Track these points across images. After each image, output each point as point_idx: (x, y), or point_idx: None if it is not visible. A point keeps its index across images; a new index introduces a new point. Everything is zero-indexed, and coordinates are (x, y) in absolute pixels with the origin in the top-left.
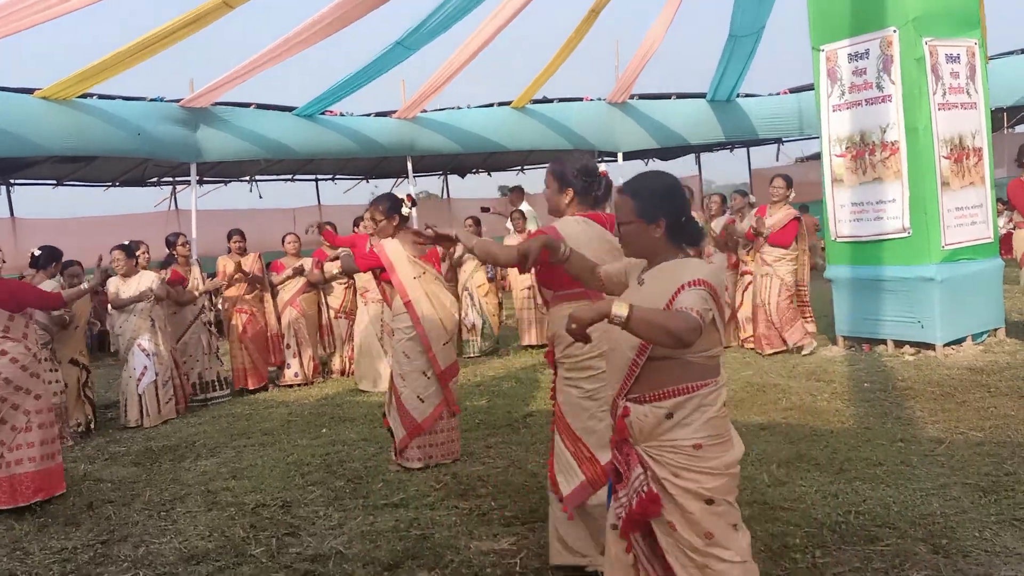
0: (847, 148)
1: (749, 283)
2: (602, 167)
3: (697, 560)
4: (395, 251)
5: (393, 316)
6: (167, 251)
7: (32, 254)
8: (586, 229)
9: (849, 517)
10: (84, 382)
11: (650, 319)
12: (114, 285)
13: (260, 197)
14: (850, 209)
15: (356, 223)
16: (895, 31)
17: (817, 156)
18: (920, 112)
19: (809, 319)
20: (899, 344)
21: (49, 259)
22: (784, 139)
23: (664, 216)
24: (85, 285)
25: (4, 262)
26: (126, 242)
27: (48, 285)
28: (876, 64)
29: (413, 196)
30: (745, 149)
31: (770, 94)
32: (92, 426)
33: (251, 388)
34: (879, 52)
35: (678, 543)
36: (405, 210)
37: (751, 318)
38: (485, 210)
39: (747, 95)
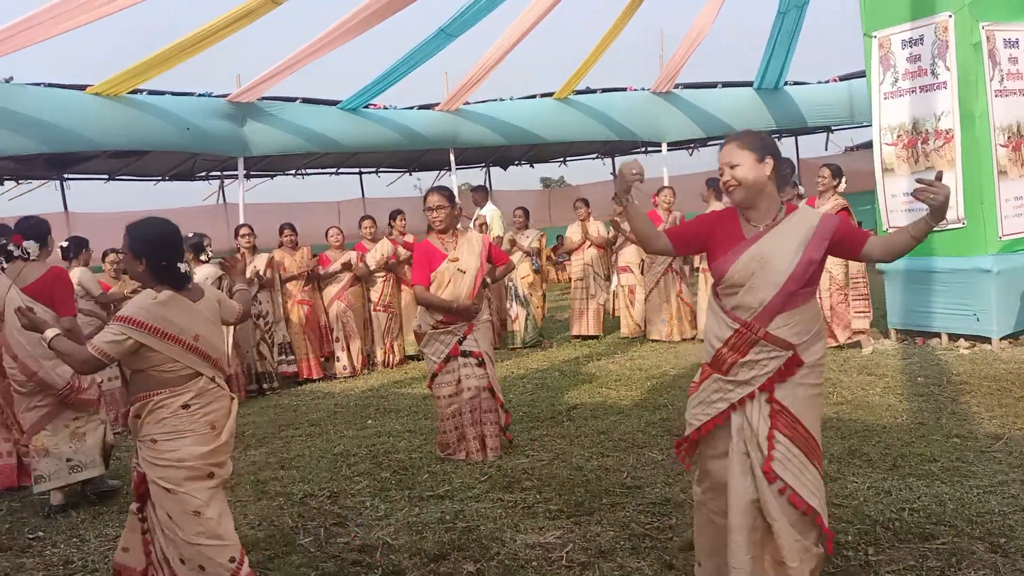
0: (899, 136)
1: None
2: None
3: (167, 534)
4: None
5: None
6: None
7: (60, 247)
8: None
9: (903, 514)
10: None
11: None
12: None
13: (303, 178)
14: (902, 199)
15: (393, 216)
16: (950, 16)
17: (868, 145)
18: (976, 99)
19: (863, 314)
20: (953, 337)
21: (77, 248)
22: (833, 127)
23: (146, 257)
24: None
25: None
26: (190, 235)
27: (77, 273)
28: (931, 50)
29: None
30: (793, 138)
31: (819, 82)
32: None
33: (314, 378)
34: (934, 37)
35: (157, 517)
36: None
37: None
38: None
39: (795, 83)
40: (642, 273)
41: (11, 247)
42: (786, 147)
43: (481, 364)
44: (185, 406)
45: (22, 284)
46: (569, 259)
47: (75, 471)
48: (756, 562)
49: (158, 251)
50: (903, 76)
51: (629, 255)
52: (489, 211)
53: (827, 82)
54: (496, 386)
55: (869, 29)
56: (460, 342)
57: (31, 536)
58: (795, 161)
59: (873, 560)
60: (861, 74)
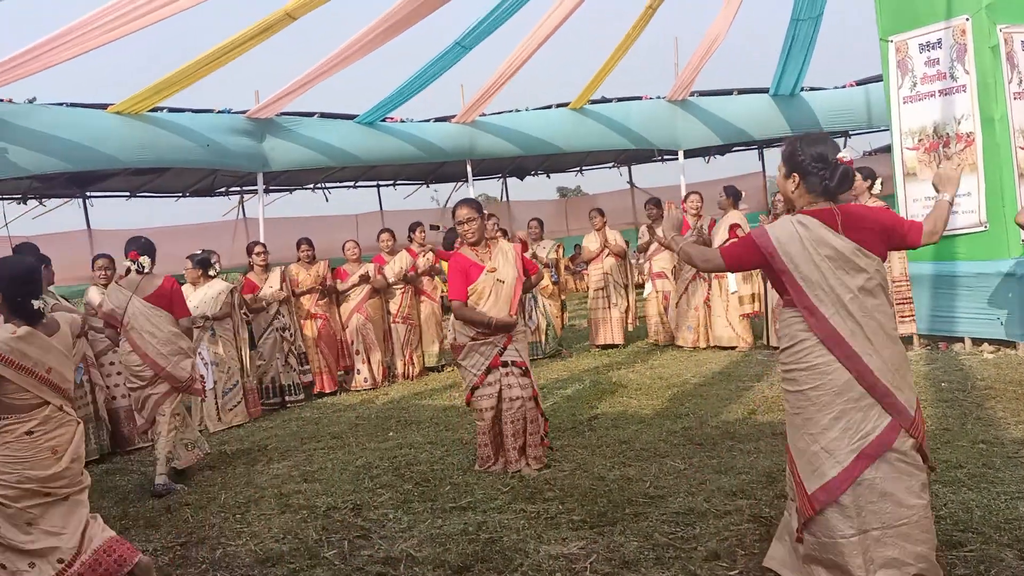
0: (920, 141)
1: None
2: (845, 153)
3: None
4: None
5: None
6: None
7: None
8: (803, 233)
9: None
10: None
11: None
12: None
13: (327, 200)
14: (923, 203)
15: (413, 228)
16: (968, 19)
17: (886, 149)
18: (996, 102)
19: (906, 318)
20: (977, 342)
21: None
22: (851, 132)
23: (2, 293)
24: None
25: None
26: (198, 252)
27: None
28: (949, 54)
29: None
30: None
31: (836, 87)
32: None
33: (327, 392)
34: (952, 41)
35: None
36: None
37: None
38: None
39: (811, 88)
40: (674, 279)
41: (127, 262)
42: None
43: (525, 373)
44: (29, 432)
45: (142, 294)
46: (587, 268)
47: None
48: None
49: (13, 288)
50: (921, 80)
51: (663, 261)
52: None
53: (843, 87)
54: (539, 395)
55: (886, 34)
56: (500, 353)
57: None
58: None
59: None
60: (878, 78)
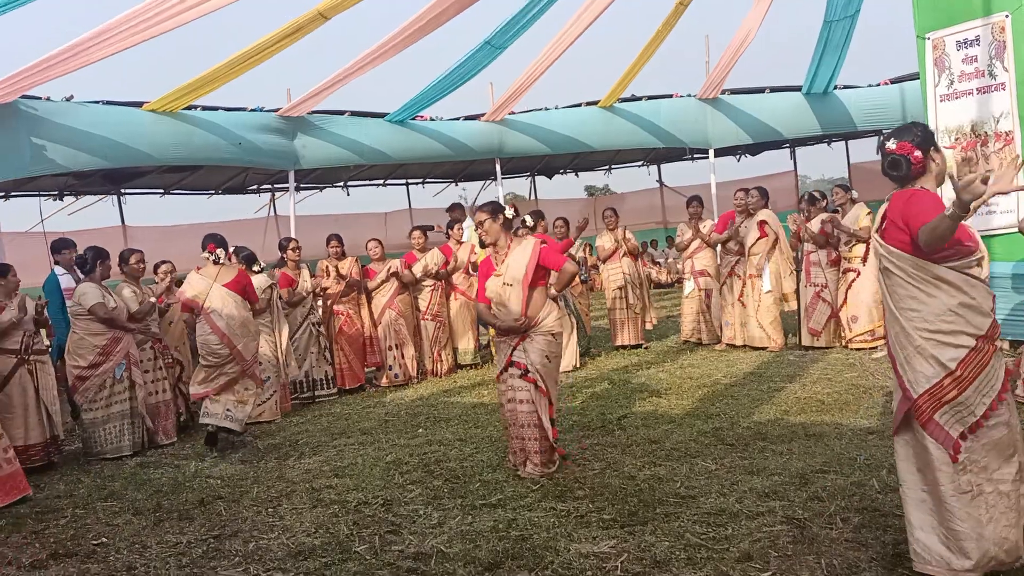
0: (957, 139)
1: (853, 281)
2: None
3: None
4: None
5: None
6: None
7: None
8: None
9: None
10: (179, 377)
11: None
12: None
13: (347, 196)
14: None
15: (451, 226)
16: (1007, 16)
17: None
18: None
19: None
20: (1015, 343)
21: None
22: (885, 131)
23: None
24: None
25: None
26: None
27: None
28: (987, 51)
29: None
30: (843, 142)
31: (870, 85)
32: (188, 419)
33: (348, 388)
34: (991, 38)
35: None
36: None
37: (856, 317)
38: (429, 228)
39: (845, 87)
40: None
41: (206, 254)
42: (836, 151)
43: (524, 375)
44: None
45: (222, 281)
46: (597, 274)
47: (226, 419)
48: None
49: None
50: (959, 78)
51: (705, 259)
52: (466, 225)
53: (878, 85)
54: (538, 401)
55: (922, 31)
56: (511, 352)
57: (95, 543)
58: (846, 165)
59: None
60: (914, 76)
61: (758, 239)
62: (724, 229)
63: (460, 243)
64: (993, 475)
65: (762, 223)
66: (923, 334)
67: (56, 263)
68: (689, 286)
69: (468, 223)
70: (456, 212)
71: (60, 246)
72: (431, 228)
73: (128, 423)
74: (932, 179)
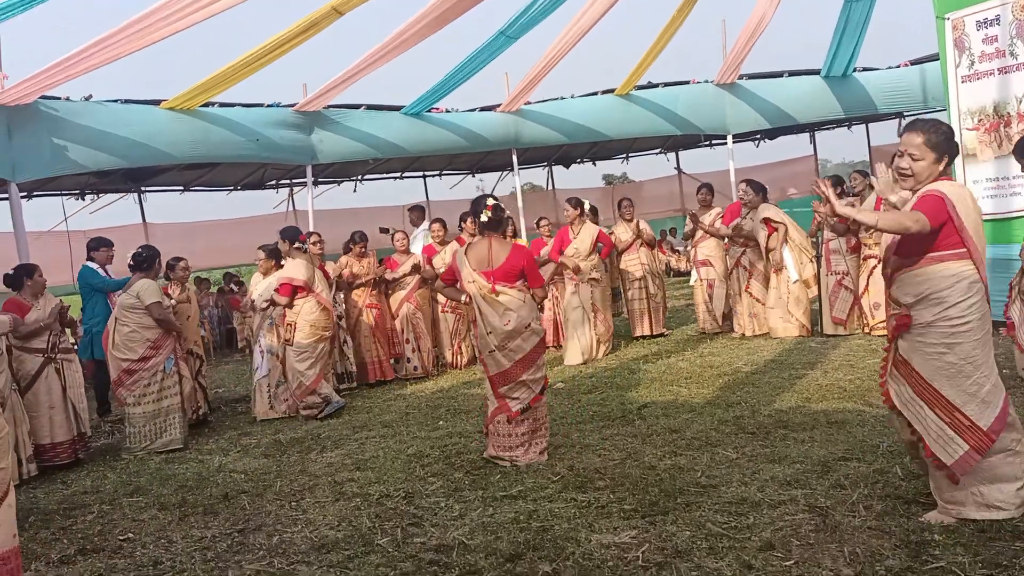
0: (979, 121)
1: (874, 267)
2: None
3: None
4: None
5: None
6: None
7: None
8: (967, 195)
9: None
10: (198, 371)
11: None
12: (253, 283)
13: (356, 191)
14: (984, 185)
15: (463, 219)
16: None
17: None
18: None
19: None
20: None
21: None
22: (905, 113)
23: None
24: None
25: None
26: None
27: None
28: (1008, 30)
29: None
30: (864, 125)
31: (890, 67)
32: (208, 414)
33: (386, 379)
34: (1011, 17)
35: None
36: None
37: (879, 304)
38: (384, 231)
39: (864, 69)
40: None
41: (298, 244)
42: (857, 135)
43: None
44: None
45: (315, 265)
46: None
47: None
48: None
49: None
50: (980, 59)
51: (708, 248)
52: (421, 230)
53: (897, 67)
54: (489, 395)
55: (942, 11)
56: None
57: (122, 538)
58: (867, 148)
59: (962, 560)
60: (934, 57)
61: (769, 236)
62: (732, 220)
63: (444, 244)
64: None
65: (767, 220)
66: None
67: (90, 259)
68: (694, 275)
69: (423, 227)
70: (414, 214)
71: (97, 244)
72: (386, 231)
73: (178, 416)
74: None
